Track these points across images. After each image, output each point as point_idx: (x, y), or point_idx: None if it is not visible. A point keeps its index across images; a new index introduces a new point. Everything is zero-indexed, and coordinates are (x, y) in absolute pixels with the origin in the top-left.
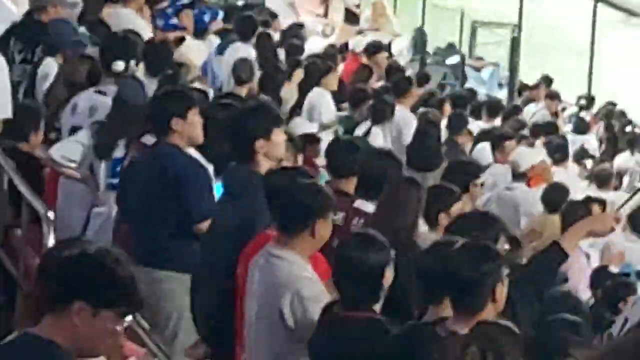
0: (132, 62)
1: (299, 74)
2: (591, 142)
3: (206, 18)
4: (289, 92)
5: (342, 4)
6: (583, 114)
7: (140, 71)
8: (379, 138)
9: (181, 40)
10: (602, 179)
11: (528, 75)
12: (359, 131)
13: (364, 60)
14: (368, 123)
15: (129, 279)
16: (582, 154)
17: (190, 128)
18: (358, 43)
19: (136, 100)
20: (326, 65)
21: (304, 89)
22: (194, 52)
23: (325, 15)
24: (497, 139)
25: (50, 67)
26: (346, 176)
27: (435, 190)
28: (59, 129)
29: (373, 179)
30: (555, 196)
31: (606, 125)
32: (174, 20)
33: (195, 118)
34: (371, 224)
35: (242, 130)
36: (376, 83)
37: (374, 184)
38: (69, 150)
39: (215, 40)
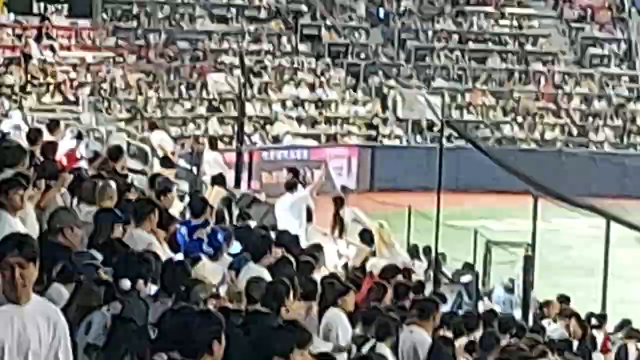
0: (141, 282)
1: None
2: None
3: (219, 237)
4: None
5: (357, 227)
6: (595, 332)
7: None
8: (386, 353)
9: (197, 260)
10: None
11: (542, 292)
12: (365, 348)
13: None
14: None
15: None
16: None
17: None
18: (375, 265)
19: (140, 319)
20: (344, 285)
21: (320, 308)
22: (210, 271)
23: (340, 236)
24: None
25: (57, 293)
26: None
27: None
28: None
29: None
30: None
31: (624, 344)
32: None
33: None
34: None
35: (263, 349)
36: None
37: None
38: None
39: (227, 259)
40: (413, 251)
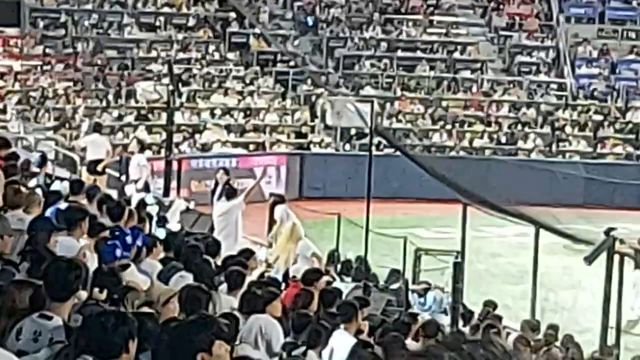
0: (96, 290)
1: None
2: None
3: (139, 242)
4: None
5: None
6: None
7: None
8: None
9: (125, 267)
10: None
11: (472, 301)
12: (296, 353)
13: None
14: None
15: None
16: None
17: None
18: (297, 270)
19: None
20: (269, 292)
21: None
22: (139, 278)
23: (270, 245)
24: None
25: None
26: None
27: None
28: None
29: None
30: None
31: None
32: (118, 252)
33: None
34: None
35: (184, 344)
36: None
37: None
38: None
39: (156, 266)
40: (332, 258)
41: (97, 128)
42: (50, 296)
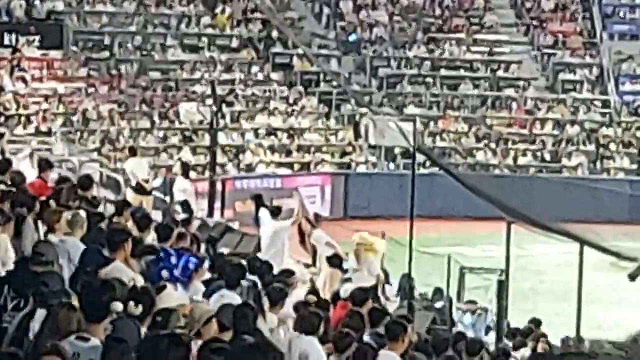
0: (131, 304)
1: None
2: None
3: (191, 266)
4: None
5: (328, 251)
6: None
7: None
8: None
9: (161, 289)
10: None
11: (516, 319)
12: None
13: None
14: None
15: None
16: None
17: None
18: (346, 290)
19: (131, 340)
20: (317, 315)
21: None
22: (176, 298)
23: (314, 264)
24: None
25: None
26: None
27: None
28: None
29: None
30: None
31: None
32: (164, 273)
33: None
34: None
35: None
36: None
37: None
38: None
39: (200, 287)
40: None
41: (132, 151)
42: (85, 317)
